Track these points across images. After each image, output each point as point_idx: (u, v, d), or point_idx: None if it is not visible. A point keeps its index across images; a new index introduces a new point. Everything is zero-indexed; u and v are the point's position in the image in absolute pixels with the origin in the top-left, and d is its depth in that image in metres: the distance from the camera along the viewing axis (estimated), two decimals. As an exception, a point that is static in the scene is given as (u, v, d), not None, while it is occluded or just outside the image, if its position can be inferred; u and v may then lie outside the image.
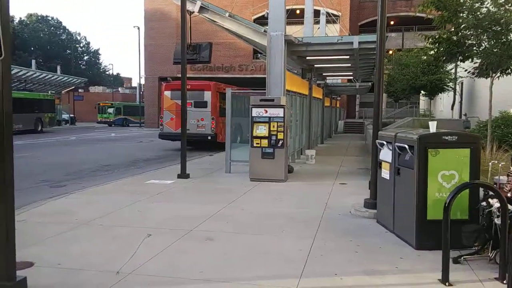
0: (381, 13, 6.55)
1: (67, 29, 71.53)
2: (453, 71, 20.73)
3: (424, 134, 4.83)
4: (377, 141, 5.96)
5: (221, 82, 37.26)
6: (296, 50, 11.44)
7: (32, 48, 62.08)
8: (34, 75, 34.89)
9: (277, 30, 10.00)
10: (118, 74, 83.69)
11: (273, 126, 9.47)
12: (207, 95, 17.67)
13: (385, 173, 5.62)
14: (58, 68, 42.98)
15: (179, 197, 7.92)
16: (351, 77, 22.17)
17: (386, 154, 5.58)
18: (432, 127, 4.86)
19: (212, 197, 7.86)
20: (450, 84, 21.23)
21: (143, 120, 43.10)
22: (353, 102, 41.17)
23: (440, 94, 22.31)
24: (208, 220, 6.13)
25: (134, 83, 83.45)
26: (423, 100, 34.63)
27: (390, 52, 33.62)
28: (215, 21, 11.83)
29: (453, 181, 4.74)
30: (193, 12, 11.40)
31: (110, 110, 45.42)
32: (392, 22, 41.67)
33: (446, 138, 4.74)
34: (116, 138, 25.98)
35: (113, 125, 44.16)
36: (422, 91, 22.60)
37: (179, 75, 38.04)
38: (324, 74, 18.60)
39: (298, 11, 29.94)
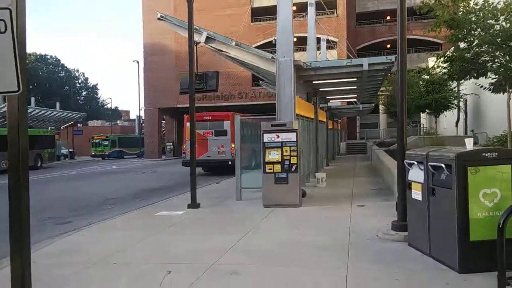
0: (401, 33, 6.40)
1: (66, 66, 72.42)
2: (456, 89, 20.71)
3: (463, 152, 4.54)
4: (405, 161, 5.66)
5: (221, 110, 37.45)
6: (304, 74, 11.33)
7: (31, 87, 62.43)
8: (34, 112, 34.81)
9: (286, 55, 9.89)
10: (116, 107, 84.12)
11: (286, 151, 9.20)
12: (227, 124, 19.02)
13: (417, 194, 5.30)
14: (58, 104, 43.18)
15: (193, 228, 7.54)
16: (353, 100, 22.10)
17: (416, 174, 5.28)
18: (469, 144, 4.59)
19: (228, 227, 7.49)
20: (455, 101, 21.16)
21: (143, 150, 42.98)
22: (354, 123, 41.14)
23: (444, 111, 22.27)
24: (229, 252, 5.75)
25: (132, 115, 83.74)
26: (424, 119, 34.58)
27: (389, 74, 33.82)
28: (221, 51, 11.73)
29: (495, 199, 4.43)
30: (199, 42, 11.33)
31: (105, 142, 44.91)
32: (388, 46, 42.23)
33: (486, 155, 4.46)
34: (117, 171, 25.63)
35: (106, 158, 43.40)
36: (427, 110, 22.54)
37: (179, 106, 38.46)
38: (327, 97, 18.50)
39: (295, 39, 30.44)
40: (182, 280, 4.68)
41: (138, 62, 41.74)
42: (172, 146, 41.49)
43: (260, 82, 23.51)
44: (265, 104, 37.87)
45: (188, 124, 18.49)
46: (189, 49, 10.40)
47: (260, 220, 7.80)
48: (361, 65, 10.63)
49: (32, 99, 41.17)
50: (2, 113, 31.09)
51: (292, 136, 9.25)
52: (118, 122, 67.21)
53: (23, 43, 3.24)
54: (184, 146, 19.53)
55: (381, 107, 32.02)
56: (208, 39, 11.19)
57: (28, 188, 3.32)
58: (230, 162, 17.69)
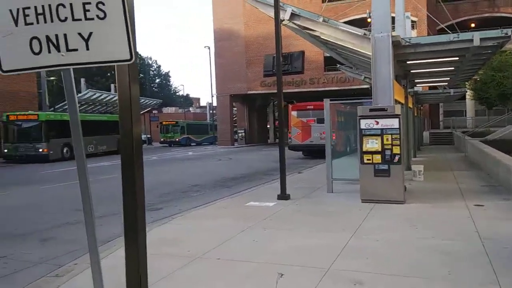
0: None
1: (140, 54, 75.26)
2: None
3: None
4: None
5: (292, 97, 36.69)
6: (399, 53, 10.23)
7: (109, 74, 65.87)
8: (114, 98, 36.49)
9: (383, 31, 8.91)
10: (187, 94, 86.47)
11: (387, 139, 8.29)
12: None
13: None
14: (135, 91, 44.89)
15: (290, 223, 6.99)
16: (443, 84, 20.25)
17: None
18: None
19: (329, 223, 6.84)
20: None
21: (210, 137, 43.26)
22: (437, 111, 38.35)
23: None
24: (341, 254, 5.11)
25: (202, 103, 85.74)
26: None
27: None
28: (305, 28, 11.00)
29: None
30: (283, 20, 10.67)
31: (175, 128, 43.75)
32: (473, 25, 38.63)
33: None
34: (194, 157, 26.00)
35: (172, 145, 42.12)
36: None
37: (250, 92, 38.46)
38: (416, 80, 17.03)
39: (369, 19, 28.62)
40: (299, 286, 4.13)
41: (209, 48, 42.08)
42: (243, 134, 41.58)
43: (338, 66, 22.38)
44: (338, 90, 36.51)
45: (292, 112, 21.82)
46: (275, 28, 9.72)
47: (363, 218, 7.06)
48: (470, 41, 9.32)
49: (112, 85, 43.16)
50: (94, 100, 32.93)
51: (394, 123, 8.30)
52: (190, 109, 69.01)
53: (131, 8, 2.79)
54: (289, 132, 21.99)
55: (468, 93, 29.33)
56: (293, 15, 10.47)
57: (143, 176, 2.98)
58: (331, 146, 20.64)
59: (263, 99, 44.31)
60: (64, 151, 22.98)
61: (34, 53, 2.55)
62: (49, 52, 2.55)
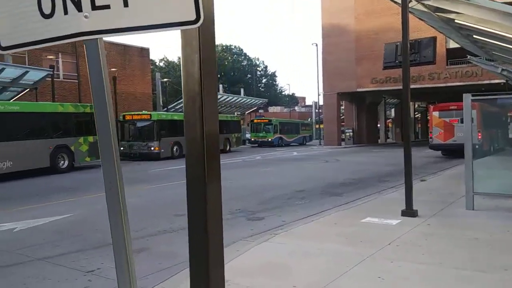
0: None
1: (248, 55, 76.90)
2: None
3: None
4: None
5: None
6: None
7: (219, 75, 68.35)
8: (222, 98, 37.20)
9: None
10: (293, 93, 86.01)
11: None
12: (473, 112, 20.64)
13: None
14: (242, 91, 45.44)
15: (425, 253, 5.35)
16: None
17: None
18: None
19: (483, 260, 5.05)
20: None
21: (303, 136, 41.53)
22: None
23: None
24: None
25: (308, 102, 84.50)
26: None
27: None
28: (438, 10, 9.05)
29: None
30: (410, 1, 8.88)
31: (268, 127, 38.87)
32: None
33: None
34: (299, 158, 24.88)
35: (262, 146, 37.92)
36: None
37: (359, 90, 36.18)
38: None
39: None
40: None
41: (316, 45, 40.58)
42: (351, 133, 39.35)
43: (468, 57, 19.40)
44: (462, 86, 32.27)
45: (434, 113, 22.08)
46: (402, 11, 8.03)
47: (532, 252, 5.13)
48: None
49: (220, 86, 44.32)
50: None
51: None
52: (296, 108, 68.32)
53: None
54: (430, 132, 22.40)
55: None
56: (423, -6, 8.64)
57: (220, 196, 1.86)
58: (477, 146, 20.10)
59: (373, 97, 41.49)
60: (174, 149, 23.70)
61: (44, 16, 1.54)
62: (66, 13, 1.52)
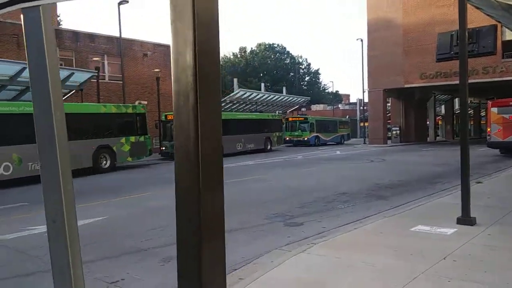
0: None
1: (291, 54, 76.05)
2: None
3: None
4: None
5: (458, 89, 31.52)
6: None
7: (261, 74, 68.06)
8: (263, 97, 36.82)
9: None
10: (337, 91, 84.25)
11: None
12: None
13: None
14: (284, 89, 44.80)
15: (490, 271, 4.61)
16: None
17: None
18: None
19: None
20: None
21: (341, 135, 40.15)
22: None
23: None
24: None
25: (352, 99, 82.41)
26: None
27: None
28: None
29: None
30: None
31: (303, 125, 36.37)
32: None
33: None
34: (342, 157, 23.99)
35: (298, 145, 35.55)
36: None
37: (407, 86, 34.58)
38: None
39: None
40: None
41: (362, 40, 39.21)
42: (398, 131, 37.71)
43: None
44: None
45: (492, 109, 21.08)
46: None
47: None
48: None
49: (262, 85, 43.92)
50: (245, 99, 33.63)
51: None
52: (339, 106, 66.78)
53: None
54: (489, 129, 21.54)
55: None
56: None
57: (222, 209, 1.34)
58: None
59: (422, 93, 39.56)
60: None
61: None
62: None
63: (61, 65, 21.94)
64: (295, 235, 6.81)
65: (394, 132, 37.95)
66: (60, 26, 30.60)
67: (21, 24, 1.18)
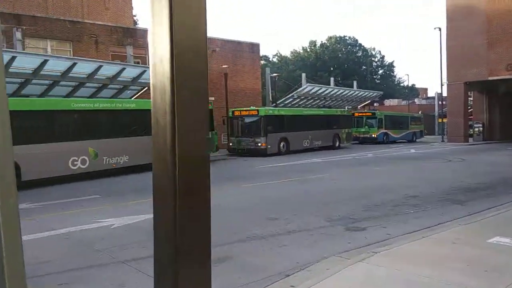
0: None
1: (363, 46, 73.40)
2: None
3: None
4: None
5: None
6: None
7: (332, 68, 66.49)
8: (332, 92, 35.88)
9: None
10: (413, 85, 79.79)
11: None
12: None
13: None
14: (354, 83, 43.19)
15: None
16: None
17: None
18: None
19: None
20: None
21: (413, 132, 37.46)
22: None
23: None
24: None
25: (431, 93, 77.68)
26: None
27: None
28: None
29: None
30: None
31: (371, 121, 33.82)
32: None
33: None
34: (417, 156, 22.60)
35: (364, 143, 33.08)
36: None
37: (491, 78, 31.89)
38: None
39: None
40: None
41: (440, 29, 36.59)
42: (481, 128, 34.77)
43: None
44: None
45: None
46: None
47: None
48: None
49: (331, 79, 42.81)
50: (313, 94, 33.06)
51: None
52: (416, 100, 63.27)
53: None
54: None
55: None
56: None
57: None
58: None
59: (509, 86, 36.05)
60: (281, 145, 23.30)
61: None
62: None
63: (137, 63, 23.08)
64: (356, 241, 6.41)
65: (476, 129, 35.04)
66: (136, 26, 32.20)
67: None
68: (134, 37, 25.28)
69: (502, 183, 11.96)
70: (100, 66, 17.37)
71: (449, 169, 16.33)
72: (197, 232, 1.18)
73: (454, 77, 34.79)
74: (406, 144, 34.41)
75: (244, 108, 24.03)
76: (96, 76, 17.73)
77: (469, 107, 37.41)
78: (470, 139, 34.71)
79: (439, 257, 5.22)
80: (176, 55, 1.09)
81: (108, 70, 18.29)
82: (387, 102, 59.40)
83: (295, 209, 8.80)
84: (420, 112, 47.28)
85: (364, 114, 35.21)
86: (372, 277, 4.62)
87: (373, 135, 33.33)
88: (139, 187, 12.56)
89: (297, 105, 33.14)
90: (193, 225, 1.16)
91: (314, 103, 34.85)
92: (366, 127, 33.59)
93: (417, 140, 38.24)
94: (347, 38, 72.75)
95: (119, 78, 18.84)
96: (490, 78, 32.53)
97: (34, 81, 16.51)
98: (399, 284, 4.40)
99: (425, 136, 42.36)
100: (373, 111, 36.72)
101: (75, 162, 14.12)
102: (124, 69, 18.58)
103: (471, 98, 38.68)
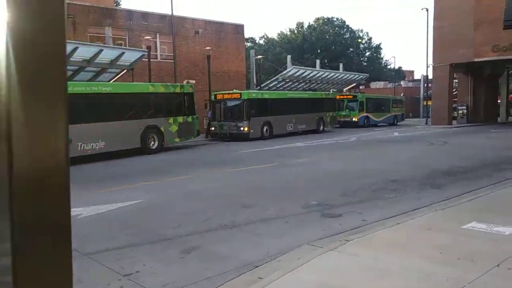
0: None
1: (350, 28, 72.81)
2: None
3: None
4: None
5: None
6: None
7: (319, 50, 65.95)
8: (318, 75, 35.58)
9: None
10: (400, 67, 79.83)
11: None
12: None
13: None
14: (341, 66, 42.86)
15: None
16: None
17: None
18: None
19: None
20: None
21: (394, 115, 37.45)
22: None
23: None
24: None
25: (417, 75, 77.82)
26: None
27: None
28: None
29: None
30: None
31: (352, 104, 32.86)
32: None
33: None
34: (400, 139, 22.59)
35: (345, 126, 32.10)
36: None
37: (476, 60, 31.35)
38: None
39: None
40: None
41: (427, 10, 36.35)
42: (465, 110, 34.93)
43: None
44: None
45: None
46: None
47: None
48: None
49: (317, 61, 42.42)
50: (298, 77, 32.64)
51: None
52: (401, 83, 63.32)
53: None
54: None
55: None
56: None
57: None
58: None
59: (494, 67, 36.13)
60: (264, 129, 22.90)
61: None
62: None
63: (120, 45, 22.43)
64: (330, 228, 6.25)
65: (460, 112, 35.19)
66: (116, 6, 31.28)
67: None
68: (114, 17, 24.51)
69: (483, 166, 11.94)
70: (76, 48, 16.78)
71: (430, 152, 16.31)
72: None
73: (440, 59, 34.69)
74: (389, 127, 34.15)
75: (227, 92, 23.49)
76: (72, 58, 17.14)
77: (454, 90, 37.52)
78: (454, 122, 34.90)
79: (413, 244, 5.08)
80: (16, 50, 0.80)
81: (85, 52, 17.71)
82: (373, 85, 59.34)
83: (273, 195, 8.62)
84: (402, 95, 47.18)
85: (345, 97, 34.15)
86: (343, 267, 4.45)
87: (353, 119, 32.57)
88: (114, 174, 12.25)
89: (282, 88, 32.73)
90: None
91: (299, 86, 34.49)
92: (347, 110, 32.74)
93: (398, 123, 37.71)
94: (335, 19, 72.06)
95: (96, 61, 18.26)
96: (475, 60, 32.46)
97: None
98: (369, 273, 4.23)
99: (410, 119, 42.40)
100: (355, 94, 35.86)
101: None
102: (101, 50, 18.00)
103: (456, 81, 38.77)
